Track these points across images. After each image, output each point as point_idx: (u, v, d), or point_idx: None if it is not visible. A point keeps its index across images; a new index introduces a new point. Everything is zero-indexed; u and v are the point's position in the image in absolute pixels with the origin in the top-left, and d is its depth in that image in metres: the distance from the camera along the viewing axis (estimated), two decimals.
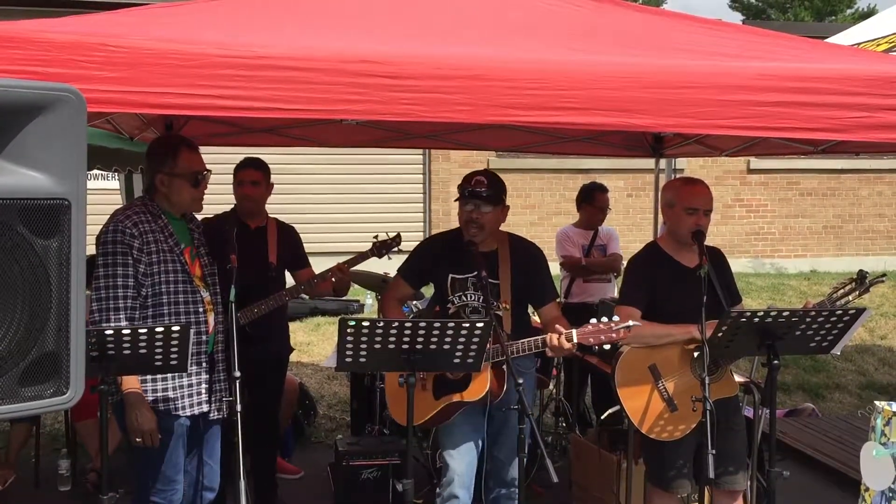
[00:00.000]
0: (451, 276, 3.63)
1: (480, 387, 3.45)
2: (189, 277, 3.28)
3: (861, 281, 3.61)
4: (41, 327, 1.55)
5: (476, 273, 3.53)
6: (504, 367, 3.43)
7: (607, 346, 3.30)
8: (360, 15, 3.21)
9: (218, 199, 4.13)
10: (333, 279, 4.28)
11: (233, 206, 4.54)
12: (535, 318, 3.84)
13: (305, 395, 6.16)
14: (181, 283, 3.25)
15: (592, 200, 6.05)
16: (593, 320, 3.30)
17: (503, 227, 3.72)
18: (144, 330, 2.86)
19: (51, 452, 5.37)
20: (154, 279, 3.19)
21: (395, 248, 4.37)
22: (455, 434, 3.58)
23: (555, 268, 5.29)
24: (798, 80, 2.91)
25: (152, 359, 2.92)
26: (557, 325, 3.36)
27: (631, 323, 3.26)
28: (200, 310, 3.29)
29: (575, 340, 3.28)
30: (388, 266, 5.23)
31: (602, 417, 5.10)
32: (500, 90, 2.72)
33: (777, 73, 2.92)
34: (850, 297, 3.62)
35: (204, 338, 3.30)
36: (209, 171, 3.38)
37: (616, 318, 3.28)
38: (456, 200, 3.63)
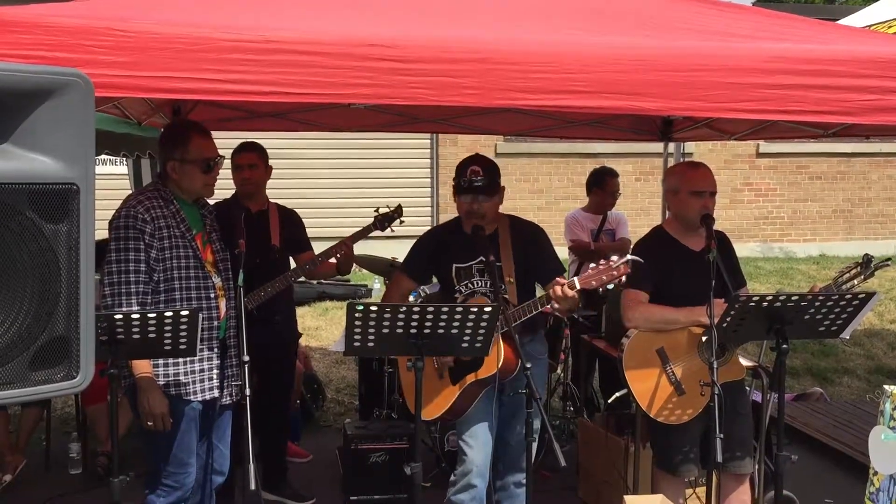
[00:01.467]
0: (454, 266, 3.63)
1: (494, 360, 3.41)
2: (200, 263, 3.29)
3: (866, 265, 3.60)
4: (51, 311, 1.55)
5: (480, 259, 3.53)
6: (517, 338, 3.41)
7: (611, 286, 3.23)
8: None
9: (226, 183, 4.13)
10: (338, 256, 4.29)
11: (233, 191, 4.54)
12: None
13: (314, 380, 6.18)
14: (192, 269, 3.26)
15: (603, 185, 6.03)
16: (592, 264, 3.25)
17: (512, 211, 3.71)
18: (154, 315, 2.87)
19: (61, 436, 5.41)
20: (165, 264, 3.20)
21: (398, 220, 4.36)
22: (472, 421, 3.57)
23: (563, 252, 5.29)
24: (809, 62, 2.89)
25: (161, 343, 2.93)
26: (557, 279, 3.29)
27: (630, 257, 3.20)
28: (212, 295, 3.31)
29: (578, 287, 3.21)
30: (396, 251, 5.23)
31: (609, 401, 5.10)
32: (508, 74, 2.71)
33: (788, 56, 2.90)
34: (856, 282, 3.61)
35: (216, 323, 3.31)
36: (222, 157, 3.38)
37: (614, 257, 3.22)
38: (454, 187, 3.60)
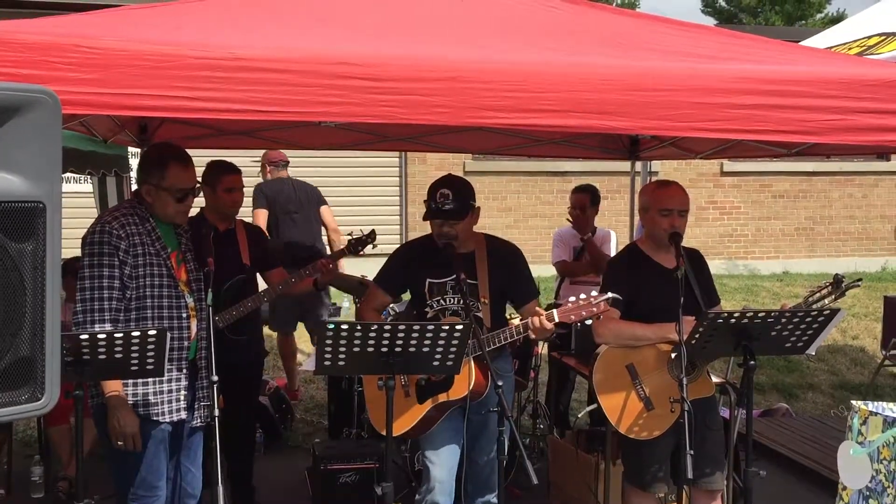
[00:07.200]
0: (428, 280, 3.62)
1: (465, 382, 3.42)
2: (174, 282, 3.25)
3: (837, 285, 3.64)
4: (15, 332, 1.52)
5: (454, 276, 3.53)
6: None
7: (589, 322, 3.29)
8: (337, 16, 3.20)
9: (196, 201, 4.08)
10: (318, 275, 4.30)
11: (200, 209, 4.50)
12: (514, 322, 3.84)
13: (282, 399, 6.12)
14: (166, 288, 3.22)
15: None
16: (572, 298, 3.29)
17: (480, 229, 3.72)
18: (120, 334, 2.83)
19: (23, 459, 5.28)
20: (139, 282, 3.16)
21: (371, 245, 4.38)
22: (436, 439, 3.55)
23: (548, 269, 5.33)
24: (773, 83, 2.94)
25: (128, 363, 2.88)
26: (536, 308, 3.38)
27: (610, 295, 3.26)
28: (184, 315, 3.26)
29: (557, 319, 3.27)
30: (365, 269, 5.22)
31: (580, 416, 5.12)
32: (478, 92, 2.72)
33: (753, 76, 2.95)
34: (827, 301, 3.65)
35: (186, 343, 3.27)
36: (200, 185, 3.35)
37: (594, 293, 3.28)
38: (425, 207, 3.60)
